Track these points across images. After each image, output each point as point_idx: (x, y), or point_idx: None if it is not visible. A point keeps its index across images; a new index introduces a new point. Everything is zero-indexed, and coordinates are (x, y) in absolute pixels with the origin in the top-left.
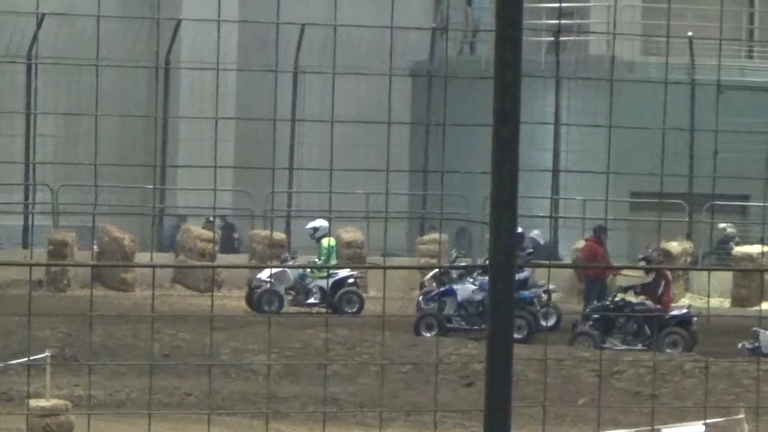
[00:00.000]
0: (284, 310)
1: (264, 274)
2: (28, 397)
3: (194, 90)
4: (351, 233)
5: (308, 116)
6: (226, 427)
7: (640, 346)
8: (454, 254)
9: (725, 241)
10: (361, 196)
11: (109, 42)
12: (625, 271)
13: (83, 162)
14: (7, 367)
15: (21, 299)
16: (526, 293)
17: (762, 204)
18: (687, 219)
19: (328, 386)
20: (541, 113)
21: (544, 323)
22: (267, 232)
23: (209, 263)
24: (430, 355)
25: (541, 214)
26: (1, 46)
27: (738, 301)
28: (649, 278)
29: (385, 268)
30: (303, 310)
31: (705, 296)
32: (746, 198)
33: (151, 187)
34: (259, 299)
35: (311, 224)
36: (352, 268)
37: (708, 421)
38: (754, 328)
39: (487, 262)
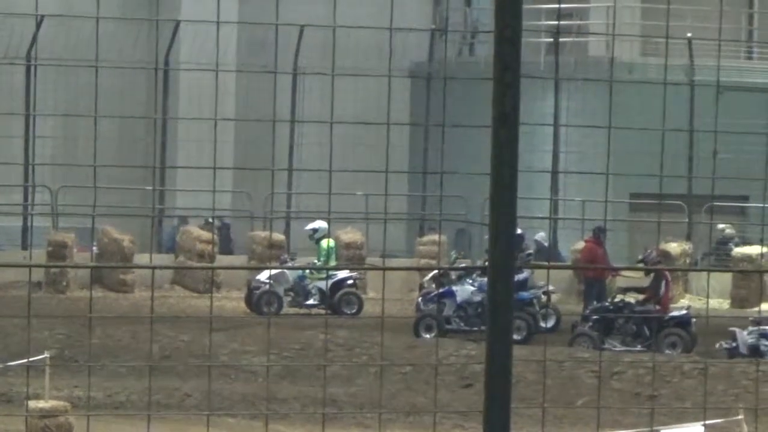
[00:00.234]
0: (283, 311)
1: (263, 276)
2: (28, 398)
3: (193, 91)
4: (350, 234)
5: (307, 117)
6: (226, 428)
7: (639, 347)
8: (454, 255)
9: (724, 242)
10: (360, 198)
11: (108, 43)
12: (625, 272)
13: (82, 163)
14: (7, 368)
15: (20, 300)
16: (525, 294)
17: (761, 205)
18: (686, 220)
19: (328, 387)
20: (540, 114)
21: (543, 324)
22: (266, 234)
23: (208, 264)
24: (430, 356)
25: (540, 216)
26: (0, 47)
27: (737, 302)
28: (648, 280)
29: (384, 269)
30: (302, 311)
31: (704, 297)
32: (745, 199)
33: (151, 188)
34: (258, 300)
35: (310, 225)
36: (352, 270)
37: (707, 422)
38: (731, 328)
39: (487, 263)
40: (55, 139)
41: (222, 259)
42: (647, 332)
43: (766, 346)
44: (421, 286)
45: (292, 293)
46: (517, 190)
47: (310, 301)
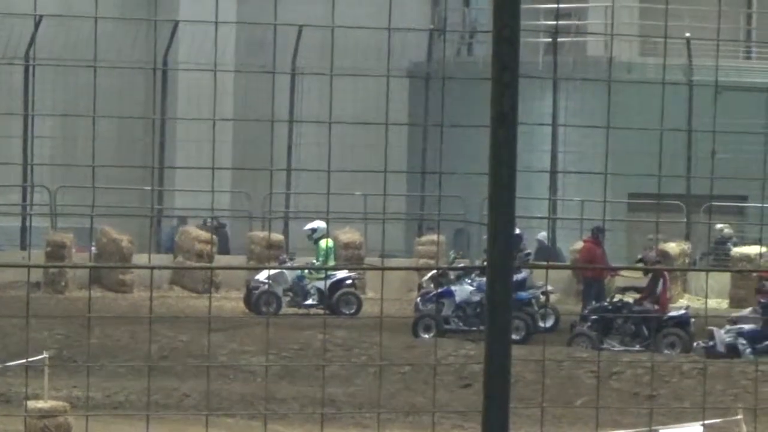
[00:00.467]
0: (282, 311)
1: (262, 276)
2: (26, 398)
3: (192, 91)
4: (349, 234)
5: (306, 117)
6: (225, 428)
7: (638, 347)
8: (452, 255)
9: (723, 241)
10: (359, 198)
11: (106, 43)
12: (624, 272)
13: (81, 163)
14: (6, 368)
15: (19, 301)
16: (524, 294)
17: (760, 205)
18: (685, 220)
19: (326, 387)
20: (538, 114)
21: (542, 324)
22: (265, 234)
23: (207, 264)
24: (428, 356)
25: (539, 215)
26: None
27: (736, 301)
28: (647, 280)
29: (383, 269)
30: (301, 311)
31: (703, 297)
32: (744, 199)
33: (149, 188)
34: (257, 300)
35: (309, 225)
36: (350, 270)
37: (706, 421)
38: (709, 327)
39: (485, 263)
40: (54, 139)
41: (220, 259)
42: (646, 332)
43: (743, 344)
44: (420, 286)
45: (290, 293)
46: (516, 190)
47: (309, 301)
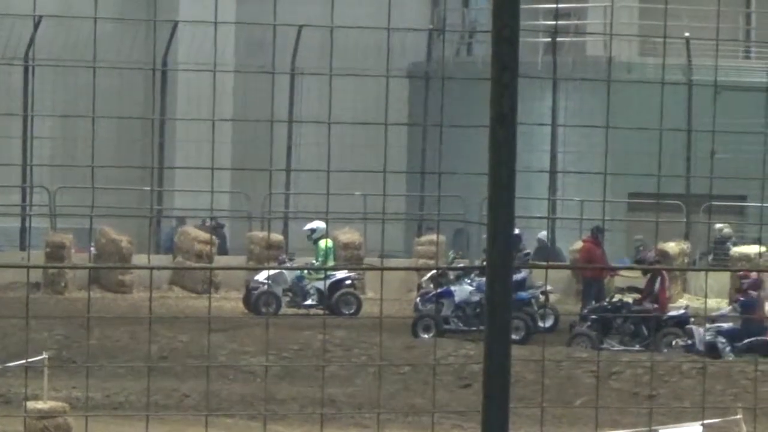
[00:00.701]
0: (282, 311)
1: (261, 276)
2: (26, 399)
3: (191, 92)
4: (348, 234)
5: (305, 118)
6: (224, 429)
7: (637, 347)
8: (452, 255)
9: (722, 241)
10: (358, 198)
11: (106, 44)
12: (623, 272)
13: (80, 164)
14: (5, 369)
15: (18, 301)
16: (523, 294)
17: (759, 204)
18: (684, 220)
19: (326, 388)
20: (538, 114)
21: (541, 324)
22: (264, 234)
23: (207, 265)
24: (428, 356)
25: (538, 215)
26: None
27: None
28: (644, 280)
29: (382, 269)
30: (300, 311)
31: (702, 297)
32: (743, 198)
33: (149, 188)
34: (256, 301)
35: (308, 226)
36: (350, 270)
37: (706, 421)
38: (688, 326)
39: (485, 263)
40: (54, 139)
41: (219, 260)
42: (645, 332)
43: (722, 343)
44: (420, 286)
45: (290, 293)
46: (515, 190)
47: (309, 302)
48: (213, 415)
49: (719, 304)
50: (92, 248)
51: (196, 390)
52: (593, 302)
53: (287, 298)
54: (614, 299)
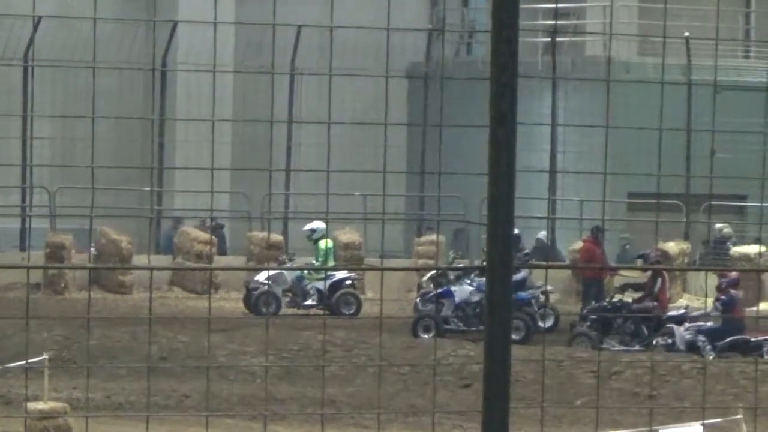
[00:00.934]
0: (282, 312)
1: (261, 276)
2: (26, 400)
3: (191, 92)
4: (348, 235)
5: (305, 118)
6: (225, 429)
7: (637, 347)
8: (452, 255)
9: (722, 241)
10: (358, 198)
11: (105, 44)
12: (623, 272)
13: (80, 164)
14: (6, 370)
15: (18, 302)
16: (523, 294)
17: (759, 204)
18: (684, 219)
19: (326, 388)
20: (537, 114)
21: (541, 324)
22: (264, 234)
23: (207, 265)
24: (428, 356)
25: (538, 215)
26: None
27: None
28: (646, 277)
29: (382, 269)
30: (300, 311)
31: (702, 297)
32: (743, 198)
33: (149, 189)
34: (256, 301)
35: (308, 226)
36: (350, 270)
37: (706, 421)
38: (669, 325)
39: (485, 263)
40: (53, 140)
41: (219, 260)
42: (645, 332)
43: (703, 342)
44: (420, 287)
45: (290, 294)
46: (515, 189)
47: (309, 302)
48: (213, 415)
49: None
50: (92, 249)
51: (196, 390)
52: (593, 302)
53: (287, 299)
54: (614, 299)
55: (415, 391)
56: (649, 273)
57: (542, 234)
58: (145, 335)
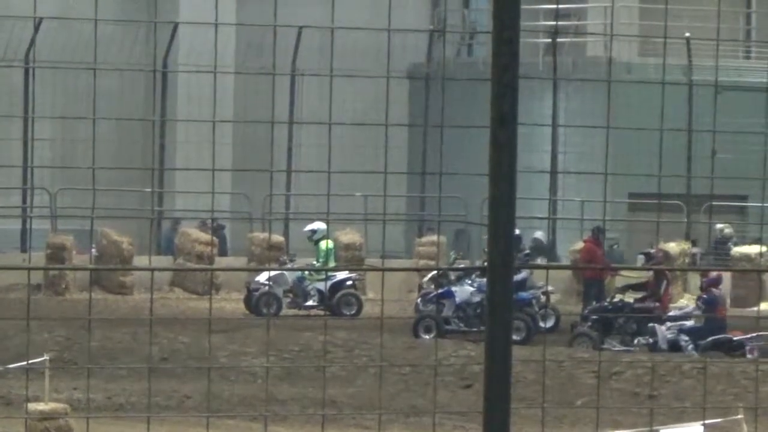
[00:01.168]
0: (282, 312)
1: (262, 277)
2: (27, 400)
3: (192, 93)
4: (349, 235)
5: (306, 119)
6: (225, 430)
7: (638, 348)
8: (453, 256)
9: (723, 241)
10: (359, 199)
11: (106, 45)
12: (624, 272)
13: (81, 165)
14: (6, 370)
15: (19, 303)
16: (524, 294)
17: (760, 204)
18: (685, 220)
19: (327, 388)
20: (538, 115)
21: (542, 324)
22: (265, 235)
23: (208, 266)
24: (429, 357)
25: (539, 216)
26: None
27: (736, 301)
28: (646, 276)
29: (383, 270)
30: (301, 312)
31: None
32: (744, 198)
33: (149, 190)
34: (257, 302)
35: (309, 226)
36: (351, 271)
37: (707, 421)
38: (651, 324)
39: (486, 263)
40: (54, 141)
41: (220, 261)
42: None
43: (685, 341)
44: (420, 287)
45: (291, 294)
46: (516, 190)
47: (310, 303)
48: (214, 416)
49: None
50: (93, 250)
51: (197, 391)
52: (594, 302)
53: (288, 299)
54: (615, 299)
55: (416, 391)
56: (651, 272)
57: (539, 233)
58: (146, 336)
